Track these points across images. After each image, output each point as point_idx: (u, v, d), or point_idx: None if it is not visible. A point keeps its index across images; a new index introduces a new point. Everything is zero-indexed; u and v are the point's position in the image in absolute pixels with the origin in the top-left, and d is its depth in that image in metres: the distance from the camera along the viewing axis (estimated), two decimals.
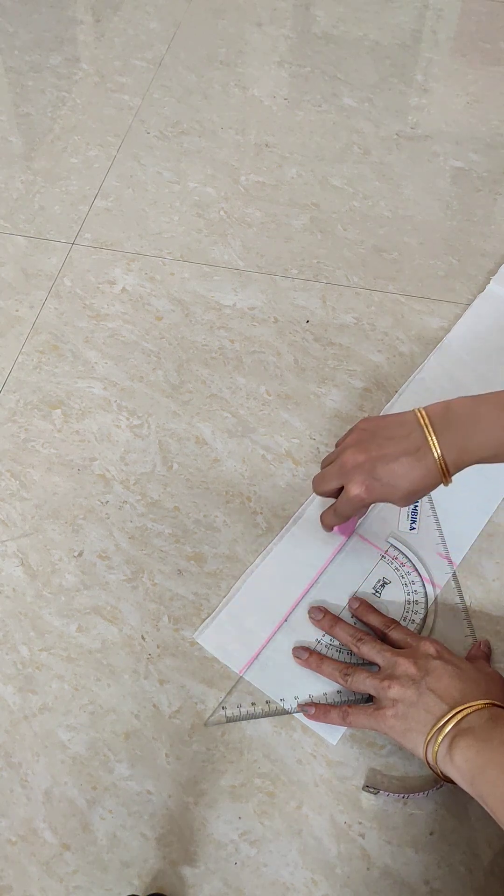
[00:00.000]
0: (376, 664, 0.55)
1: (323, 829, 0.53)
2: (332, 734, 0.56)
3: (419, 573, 0.63)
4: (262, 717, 0.56)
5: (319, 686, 0.57)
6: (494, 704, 0.49)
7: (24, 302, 0.82)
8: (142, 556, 0.64)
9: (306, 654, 0.58)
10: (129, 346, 0.79)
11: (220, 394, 0.75)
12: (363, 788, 0.53)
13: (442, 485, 0.55)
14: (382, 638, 0.58)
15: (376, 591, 0.62)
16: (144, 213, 0.92)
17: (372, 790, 0.53)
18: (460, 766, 0.46)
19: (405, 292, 0.84)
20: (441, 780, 0.50)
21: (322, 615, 0.60)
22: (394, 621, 0.58)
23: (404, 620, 0.60)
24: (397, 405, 0.73)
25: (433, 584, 0.62)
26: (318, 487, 0.60)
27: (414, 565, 0.63)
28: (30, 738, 0.56)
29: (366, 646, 0.56)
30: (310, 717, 0.55)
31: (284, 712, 0.56)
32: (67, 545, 0.65)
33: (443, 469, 0.54)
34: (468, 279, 0.85)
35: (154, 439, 0.72)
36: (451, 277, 0.85)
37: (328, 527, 0.63)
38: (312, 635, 0.60)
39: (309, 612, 0.60)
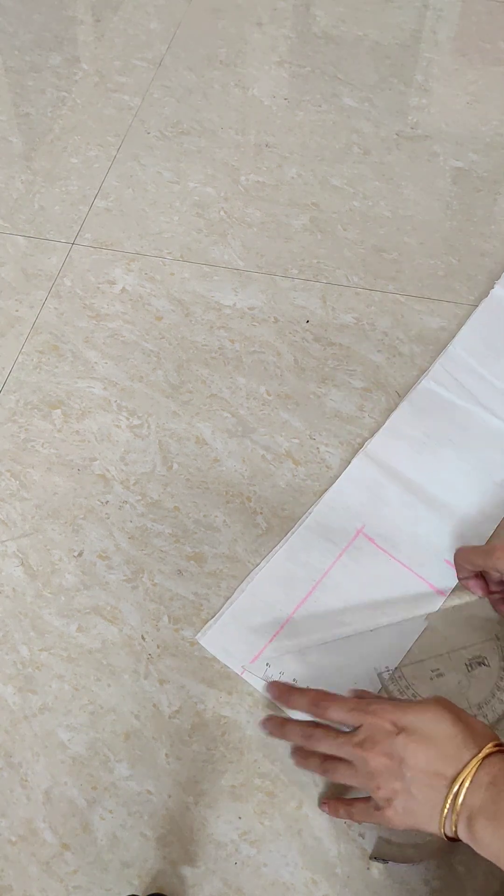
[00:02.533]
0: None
1: (323, 829, 0.53)
2: None
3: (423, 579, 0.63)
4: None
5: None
6: (481, 757, 0.45)
7: (24, 302, 0.82)
8: (142, 556, 0.64)
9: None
10: (129, 346, 0.79)
11: (220, 394, 0.75)
12: (371, 859, 0.51)
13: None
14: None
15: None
16: (144, 213, 0.92)
17: (381, 861, 0.51)
18: (484, 849, 0.44)
19: (405, 292, 0.84)
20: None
21: (271, 722, 0.54)
22: (324, 696, 0.51)
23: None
24: (404, 410, 0.73)
25: (438, 591, 0.62)
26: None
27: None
28: (30, 738, 0.56)
29: (321, 743, 0.50)
30: (325, 811, 0.52)
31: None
32: (67, 545, 0.65)
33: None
34: (468, 279, 0.85)
35: (154, 439, 0.72)
36: (451, 277, 0.85)
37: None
38: (315, 637, 0.60)
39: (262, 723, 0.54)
